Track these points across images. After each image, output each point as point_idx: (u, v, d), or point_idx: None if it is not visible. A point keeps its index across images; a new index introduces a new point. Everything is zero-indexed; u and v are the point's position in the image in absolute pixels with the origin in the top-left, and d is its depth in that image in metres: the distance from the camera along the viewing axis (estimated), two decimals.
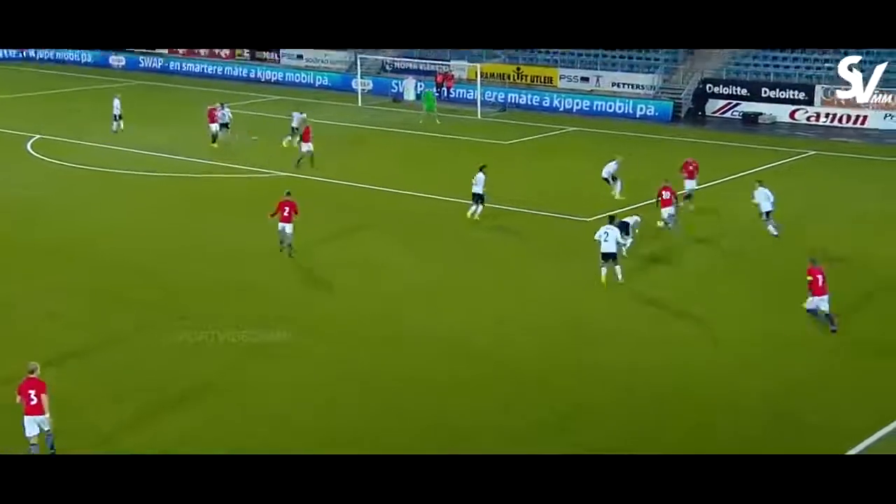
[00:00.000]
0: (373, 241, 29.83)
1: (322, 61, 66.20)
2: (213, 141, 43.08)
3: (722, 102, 53.12)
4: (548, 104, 55.82)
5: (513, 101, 56.54)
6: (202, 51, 70.73)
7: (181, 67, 69.91)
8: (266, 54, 68.29)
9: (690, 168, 33.52)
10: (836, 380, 20.60)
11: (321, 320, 23.53)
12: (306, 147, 38.52)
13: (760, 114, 51.65)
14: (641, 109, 53.55)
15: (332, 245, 29.34)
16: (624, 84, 55.97)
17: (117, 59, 72.09)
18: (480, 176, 31.35)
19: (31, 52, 75.18)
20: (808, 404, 19.27)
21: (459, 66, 59.68)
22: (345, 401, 19.42)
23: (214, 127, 43.28)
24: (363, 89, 58.75)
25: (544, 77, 58.29)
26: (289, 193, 28.25)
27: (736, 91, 52.80)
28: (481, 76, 55.27)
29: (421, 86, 58.24)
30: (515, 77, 58.86)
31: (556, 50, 59.24)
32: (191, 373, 20.50)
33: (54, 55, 74.55)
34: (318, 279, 26.57)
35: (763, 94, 52.02)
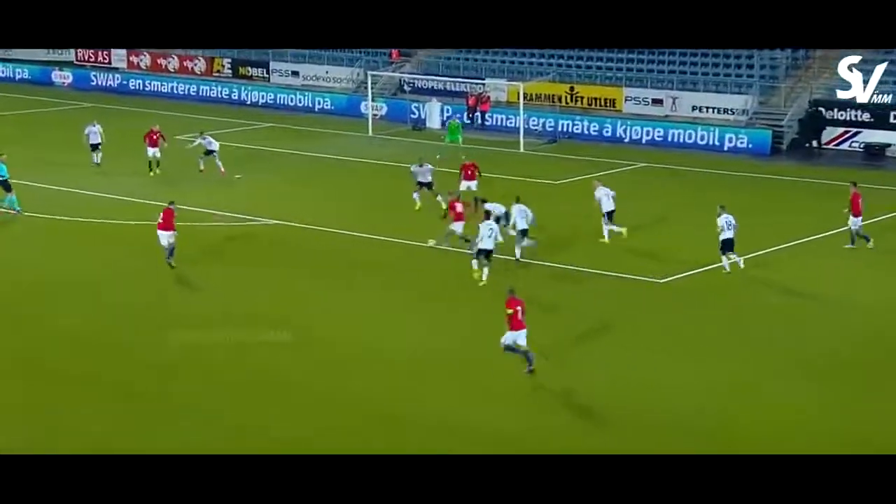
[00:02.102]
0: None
1: (323, 79, 66.67)
2: (151, 169, 45.14)
3: (838, 130, 52.75)
4: (610, 133, 55.73)
5: (565, 129, 56.47)
6: (171, 66, 71.50)
7: (144, 86, 70.64)
8: (253, 71, 68.90)
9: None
10: None
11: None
12: (466, 185, 39.74)
13: (888, 145, 51.34)
14: (731, 140, 53.32)
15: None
16: (708, 108, 55.83)
17: (62, 76, 72.97)
18: (724, 219, 32.43)
19: None
20: None
21: (497, 86, 59.79)
22: None
23: (152, 151, 45.16)
24: (375, 114, 59.00)
25: (605, 99, 58.28)
26: (172, 203, 33.14)
27: (856, 116, 52.33)
28: (525, 98, 55.32)
29: (448, 110, 58.35)
30: (569, 99, 58.88)
31: (619, 64, 59.35)
32: None
33: None
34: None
35: (892, 120, 51.62)
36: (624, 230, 35.51)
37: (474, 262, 31.71)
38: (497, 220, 32.80)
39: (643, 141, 54.96)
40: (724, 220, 32.52)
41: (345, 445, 21.50)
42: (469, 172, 40.04)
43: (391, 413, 23.48)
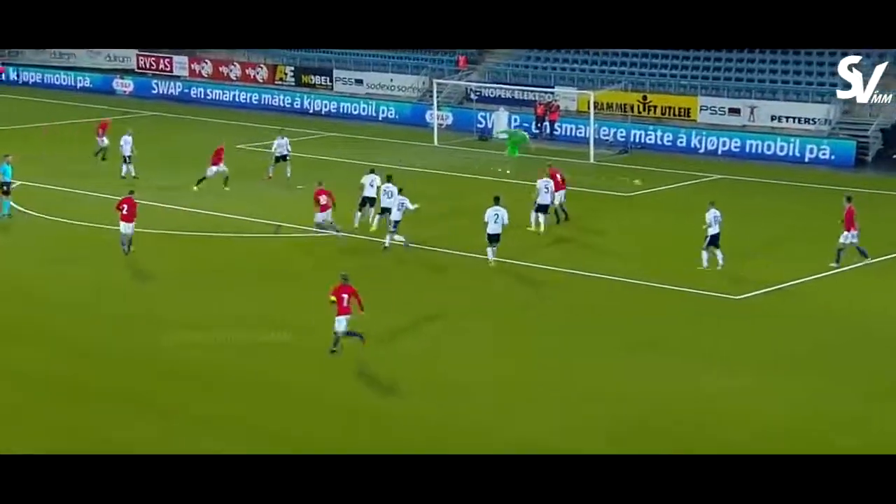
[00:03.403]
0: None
1: (388, 87, 66.72)
2: (200, 182, 43.73)
3: None
4: (684, 144, 55.50)
5: (637, 139, 56.28)
6: (233, 74, 71.91)
7: (205, 94, 71.07)
8: (316, 79, 69.08)
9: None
10: None
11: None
12: (559, 195, 39.31)
13: None
14: (812, 151, 52.86)
15: None
16: (788, 118, 55.31)
17: (123, 84, 73.63)
18: (712, 215, 33.40)
19: (13, 75, 77.32)
20: None
21: (567, 95, 59.58)
22: None
23: (214, 170, 43.76)
24: (440, 123, 58.91)
25: (679, 108, 57.92)
26: (132, 192, 35.62)
27: None
28: (595, 107, 54.93)
29: (516, 120, 58.14)
30: (641, 108, 58.59)
31: (694, 72, 58.85)
32: None
33: (42, 78, 76.59)
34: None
35: None
36: (543, 229, 37.14)
37: (489, 249, 33.55)
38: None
39: (719, 152, 54.62)
40: (711, 215, 33.23)
41: (341, 445, 21.92)
42: (560, 181, 38.83)
43: (383, 413, 24.06)
